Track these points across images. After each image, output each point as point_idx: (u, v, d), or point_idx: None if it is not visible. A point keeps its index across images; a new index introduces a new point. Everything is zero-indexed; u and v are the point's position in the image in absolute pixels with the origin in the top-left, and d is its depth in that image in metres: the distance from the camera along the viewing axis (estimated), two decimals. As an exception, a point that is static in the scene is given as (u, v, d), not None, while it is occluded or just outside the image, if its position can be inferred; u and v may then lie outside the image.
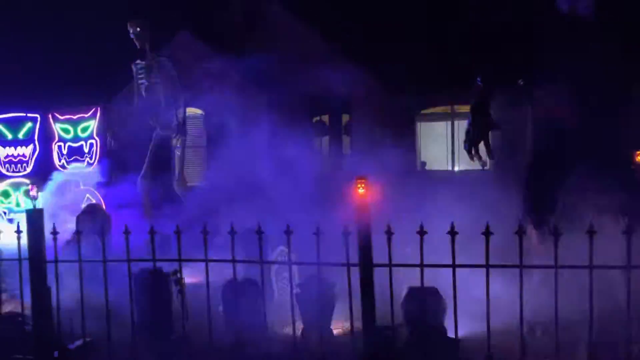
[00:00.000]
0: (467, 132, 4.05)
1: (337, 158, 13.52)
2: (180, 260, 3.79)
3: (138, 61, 8.43)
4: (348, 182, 3.51)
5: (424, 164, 13.29)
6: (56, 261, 3.91)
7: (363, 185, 3.36)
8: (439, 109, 13.16)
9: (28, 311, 4.11)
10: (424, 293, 3.98)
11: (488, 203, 5.75)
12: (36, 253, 3.89)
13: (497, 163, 12.74)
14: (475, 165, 14.87)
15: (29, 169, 9.64)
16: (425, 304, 3.90)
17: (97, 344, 4.16)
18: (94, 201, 9.33)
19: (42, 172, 9.54)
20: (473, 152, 3.98)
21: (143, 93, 8.49)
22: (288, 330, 4.56)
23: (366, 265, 3.41)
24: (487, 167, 12.74)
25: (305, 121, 13.33)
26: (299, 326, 4.46)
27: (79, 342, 4.18)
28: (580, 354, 3.54)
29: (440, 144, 13.51)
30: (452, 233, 3.28)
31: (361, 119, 12.83)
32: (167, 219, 5.95)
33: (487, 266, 3.33)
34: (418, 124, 13.35)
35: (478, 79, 4.12)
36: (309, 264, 3.75)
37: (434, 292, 3.97)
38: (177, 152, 8.71)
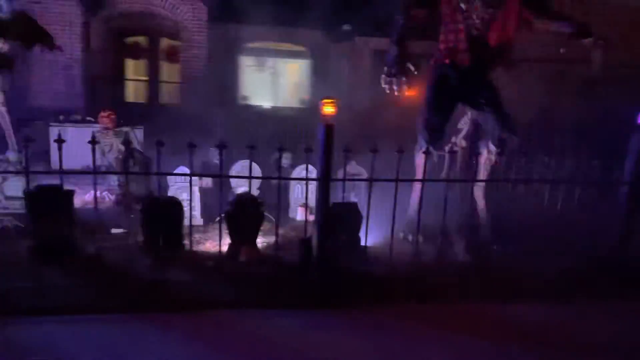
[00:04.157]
0: (389, 66, 4.29)
1: (154, 85, 12.85)
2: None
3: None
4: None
5: (245, 97, 13.47)
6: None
7: (331, 105, 3.58)
8: (264, 44, 13.32)
9: None
10: (346, 207, 4.42)
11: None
12: None
13: (313, 99, 13.54)
14: (294, 104, 15.39)
15: None
16: (347, 216, 4.32)
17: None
18: None
19: None
20: (394, 83, 4.23)
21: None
22: (209, 246, 4.63)
23: (325, 180, 3.69)
24: (303, 105, 13.56)
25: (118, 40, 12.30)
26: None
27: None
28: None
29: (264, 80, 13.79)
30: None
31: (185, 45, 12.33)
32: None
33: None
34: (242, 57, 13.37)
35: (397, 15, 4.49)
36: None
37: (354, 206, 4.39)
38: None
